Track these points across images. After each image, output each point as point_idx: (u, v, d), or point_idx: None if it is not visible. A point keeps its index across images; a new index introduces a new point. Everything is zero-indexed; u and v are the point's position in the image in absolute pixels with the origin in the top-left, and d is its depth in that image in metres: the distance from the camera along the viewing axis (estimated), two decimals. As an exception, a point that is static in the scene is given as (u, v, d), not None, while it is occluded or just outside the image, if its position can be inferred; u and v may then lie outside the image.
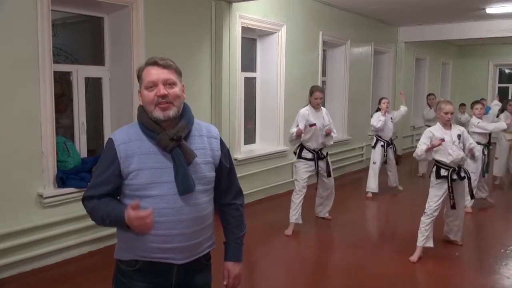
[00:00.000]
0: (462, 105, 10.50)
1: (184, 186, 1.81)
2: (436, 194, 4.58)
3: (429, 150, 4.43)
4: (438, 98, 12.65)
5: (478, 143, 6.39)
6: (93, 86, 5.22)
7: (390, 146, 7.24)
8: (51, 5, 4.14)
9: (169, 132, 1.81)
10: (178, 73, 1.88)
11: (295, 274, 4.39)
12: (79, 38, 5.51)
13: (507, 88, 15.14)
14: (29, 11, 4.00)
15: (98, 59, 5.13)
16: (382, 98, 7.35)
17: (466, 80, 15.04)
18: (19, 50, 3.96)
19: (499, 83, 15.31)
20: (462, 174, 4.58)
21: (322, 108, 5.53)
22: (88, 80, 5.04)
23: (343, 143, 8.85)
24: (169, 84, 1.82)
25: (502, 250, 4.94)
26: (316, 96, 5.35)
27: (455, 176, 4.52)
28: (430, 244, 4.64)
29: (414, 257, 4.57)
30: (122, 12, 4.89)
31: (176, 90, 1.84)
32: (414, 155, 4.63)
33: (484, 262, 4.64)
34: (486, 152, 6.48)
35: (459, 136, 4.54)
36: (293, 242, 5.20)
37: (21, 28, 3.97)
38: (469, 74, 14.99)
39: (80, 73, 4.86)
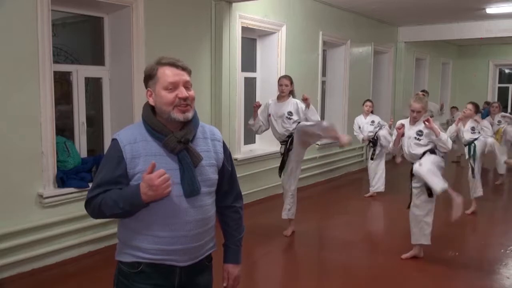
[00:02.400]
0: (454, 107, 10.62)
1: (191, 188, 1.80)
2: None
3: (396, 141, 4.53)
4: (437, 98, 12.75)
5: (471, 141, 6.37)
6: (93, 86, 5.22)
7: (371, 146, 7.19)
8: (51, 5, 4.14)
9: (176, 135, 1.80)
10: (190, 76, 1.90)
11: (294, 274, 4.39)
12: (79, 38, 5.51)
13: (507, 88, 15.14)
14: (29, 11, 3.99)
15: (98, 59, 5.13)
16: (366, 101, 7.41)
17: (466, 80, 15.04)
18: (19, 50, 3.96)
19: (499, 83, 15.31)
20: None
21: (296, 100, 5.10)
22: (88, 80, 5.04)
23: (343, 143, 8.84)
24: (187, 87, 1.83)
25: (502, 250, 4.94)
26: (281, 83, 5.06)
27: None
28: (425, 242, 4.53)
29: (405, 255, 4.57)
30: (122, 12, 4.89)
31: (193, 92, 1.85)
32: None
33: (484, 262, 4.64)
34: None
35: (419, 132, 4.39)
36: (292, 242, 5.20)
37: (21, 28, 3.97)
38: (469, 74, 14.99)
39: (80, 73, 4.86)
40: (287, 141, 5.12)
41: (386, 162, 7.44)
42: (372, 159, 7.23)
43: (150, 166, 1.71)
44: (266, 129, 5.37)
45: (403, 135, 4.48)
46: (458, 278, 4.33)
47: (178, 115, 1.80)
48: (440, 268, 4.45)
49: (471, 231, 5.85)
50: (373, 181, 7.27)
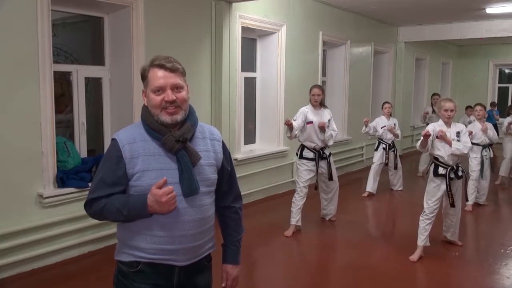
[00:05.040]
0: (469, 107, 10.39)
1: (189, 188, 1.80)
2: (434, 194, 4.58)
3: (424, 142, 4.44)
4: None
5: (477, 144, 6.38)
6: (93, 86, 5.22)
7: (392, 149, 7.29)
8: (51, 5, 4.14)
9: (174, 134, 1.81)
10: (184, 74, 1.87)
11: (295, 274, 4.39)
12: (79, 38, 5.51)
13: (507, 88, 15.14)
14: (29, 11, 4.00)
15: (98, 59, 5.13)
16: (384, 103, 7.44)
17: (466, 80, 15.05)
18: (19, 50, 3.96)
19: (499, 83, 15.32)
20: (460, 173, 4.58)
21: (326, 109, 5.48)
22: (88, 80, 5.04)
23: (343, 143, 8.85)
24: (176, 88, 1.81)
25: (502, 250, 4.94)
26: (314, 93, 5.31)
27: (452, 175, 4.52)
28: (427, 243, 4.65)
29: (414, 257, 4.57)
30: (122, 12, 4.89)
31: (184, 94, 1.84)
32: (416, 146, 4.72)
33: (484, 262, 4.64)
34: (485, 153, 6.44)
35: (458, 133, 4.54)
36: (293, 242, 5.20)
37: (21, 28, 3.97)
38: (469, 74, 15.00)
39: (80, 73, 4.86)
40: (321, 151, 5.35)
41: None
42: (386, 164, 7.28)
43: (162, 181, 1.73)
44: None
45: (438, 137, 4.49)
46: (458, 278, 4.34)
47: (165, 118, 1.80)
48: (440, 268, 4.45)
49: (471, 231, 5.85)
50: (397, 182, 7.62)
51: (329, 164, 5.41)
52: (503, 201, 7.44)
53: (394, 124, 7.25)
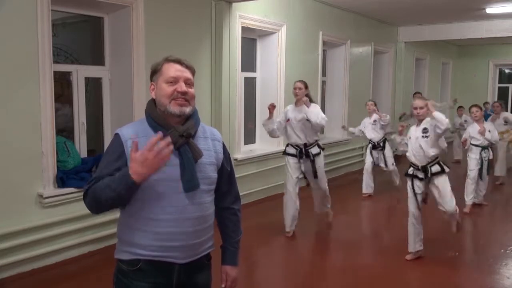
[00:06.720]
0: (460, 107, 10.56)
1: (190, 183, 1.82)
2: (408, 194, 4.49)
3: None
4: (438, 98, 12.76)
5: (476, 145, 6.36)
6: (93, 86, 5.22)
7: (380, 149, 7.17)
8: (51, 5, 4.14)
9: (178, 129, 1.83)
10: (194, 75, 1.94)
11: (293, 274, 4.39)
12: (79, 38, 5.51)
13: (507, 88, 15.14)
14: (29, 11, 4.00)
15: (98, 59, 5.13)
16: (368, 101, 7.43)
17: (466, 80, 15.04)
18: (19, 50, 3.96)
19: (499, 83, 15.31)
20: (432, 171, 4.35)
21: (313, 104, 5.11)
22: (88, 80, 5.04)
23: (343, 143, 8.85)
24: (188, 84, 1.87)
25: (502, 250, 4.94)
26: (295, 87, 5.09)
27: (421, 175, 4.37)
28: (420, 247, 4.55)
29: (408, 257, 4.56)
30: (122, 12, 4.89)
31: (193, 91, 1.89)
32: None
33: (484, 262, 4.64)
34: (485, 155, 6.40)
35: (425, 130, 4.33)
36: (292, 242, 5.20)
37: (21, 28, 3.97)
38: (469, 74, 14.99)
39: (80, 73, 4.86)
40: (304, 149, 5.13)
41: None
42: (379, 165, 7.20)
43: (134, 145, 1.66)
44: (279, 136, 5.34)
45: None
46: (458, 278, 4.33)
47: (174, 108, 1.82)
48: (440, 268, 4.44)
49: (471, 231, 5.85)
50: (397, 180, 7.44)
51: (312, 163, 5.15)
52: (503, 201, 7.44)
53: (375, 121, 7.11)
